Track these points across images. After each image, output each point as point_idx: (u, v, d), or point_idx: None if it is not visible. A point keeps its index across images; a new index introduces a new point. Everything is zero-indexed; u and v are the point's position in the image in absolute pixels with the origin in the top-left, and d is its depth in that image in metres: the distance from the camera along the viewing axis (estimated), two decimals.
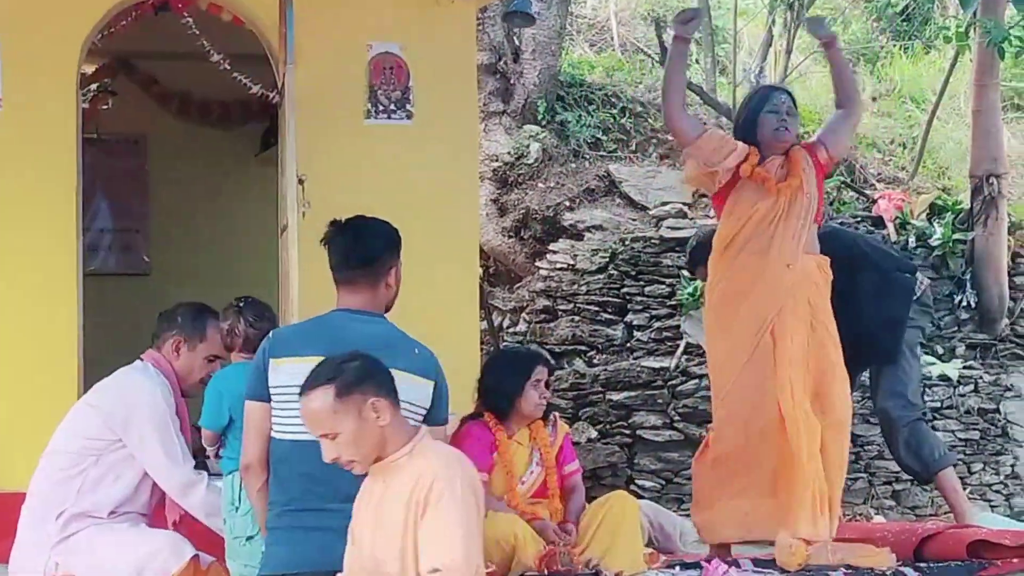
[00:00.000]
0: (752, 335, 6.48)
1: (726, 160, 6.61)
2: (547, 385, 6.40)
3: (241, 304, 6.24)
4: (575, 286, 10.81)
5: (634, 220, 11.21)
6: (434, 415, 5.08)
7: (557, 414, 6.63)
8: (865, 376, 7.78)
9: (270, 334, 5.22)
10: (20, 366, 7.53)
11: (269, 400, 5.00)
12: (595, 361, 10.53)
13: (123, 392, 5.78)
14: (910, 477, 9.63)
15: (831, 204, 11.30)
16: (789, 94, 6.86)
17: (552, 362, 6.70)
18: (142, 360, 5.92)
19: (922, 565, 6.30)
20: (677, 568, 6.30)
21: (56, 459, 5.76)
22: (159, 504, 5.88)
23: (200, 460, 5.95)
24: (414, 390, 4.97)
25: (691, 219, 10.81)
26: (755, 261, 6.55)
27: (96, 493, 5.66)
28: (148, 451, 5.70)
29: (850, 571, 6.08)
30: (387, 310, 5.27)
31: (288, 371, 4.93)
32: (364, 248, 5.20)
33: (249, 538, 5.74)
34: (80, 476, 5.68)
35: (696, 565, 6.30)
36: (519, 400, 6.28)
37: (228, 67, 8.16)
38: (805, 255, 6.54)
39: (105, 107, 10.24)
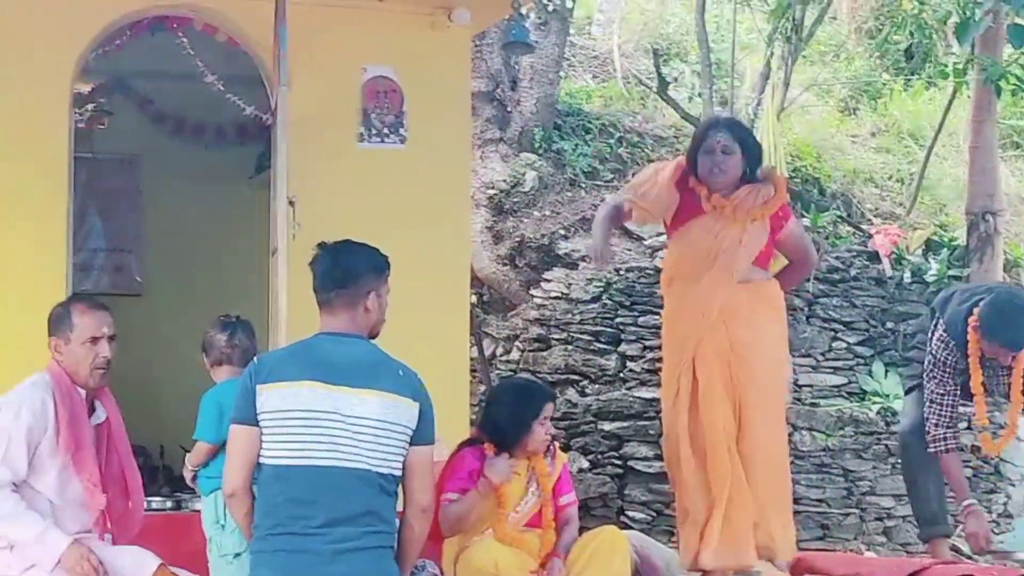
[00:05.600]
0: (674, 372, 6.53)
1: (662, 194, 6.60)
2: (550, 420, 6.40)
3: (235, 319, 6.22)
4: (569, 315, 10.79)
5: (629, 250, 11.20)
6: (419, 436, 5.08)
7: (556, 444, 6.60)
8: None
9: (255, 359, 5.21)
10: (8, 385, 7.46)
11: (257, 424, 4.98)
12: (587, 391, 10.49)
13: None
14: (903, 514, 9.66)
15: (826, 239, 11.28)
16: (731, 127, 6.68)
17: (555, 395, 6.68)
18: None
19: None
20: None
21: None
22: (122, 516, 5.68)
23: None
24: (399, 411, 5.01)
25: None
26: (682, 297, 6.61)
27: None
28: None
29: None
30: (373, 336, 5.24)
31: (277, 396, 4.96)
32: (341, 270, 5.17)
33: (237, 555, 5.73)
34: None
35: None
36: (525, 436, 6.27)
37: (222, 88, 8.16)
38: (737, 285, 6.50)
39: (100, 127, 10.22)
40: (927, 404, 7.37)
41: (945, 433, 7.33)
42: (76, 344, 5.56)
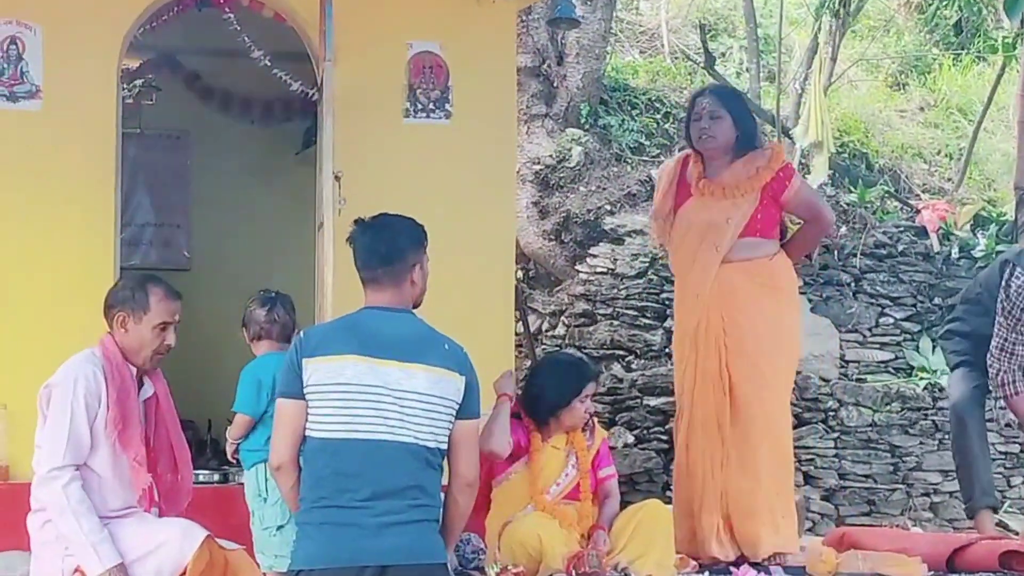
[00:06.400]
0: (680, 361, 6.63)
1: (664, 201, 6.77)
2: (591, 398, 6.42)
3: (274, 294, 6.27)
4: (615, 290, 10.77)
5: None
6: (465, 410, 5.11)
7: (595, 419, 6.61)
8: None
9: (302, 333, 5.21)
10: (56, 359, 7.50)
11: (303, 398, 5.00)
12: (633, 366, 10.48)
13: (51, 379, 5.49)
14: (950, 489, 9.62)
15: (874, 214, 11.23)
16: (717, 93, 6.73)
17: (600, 373, 6.68)
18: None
19: None
20: (707, 573, 6.31)
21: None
22: (171, 490, 5.69)
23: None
24: (444, 384, 5.03)
25: None
26: (681, 281, 6.73)
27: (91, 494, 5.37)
28: (43, 428, 5.39)
29: None
30: (415, 307, 5.27)
31: (323, 369, 4.97)
32: (386, 246, 5.18)
33: (280, 527, 5.79)
34: None
35: (725, 570, 6.30)
36: (563, 412, 6.30)
37: (269, 64, 8.19)
38: (729, 264, 6.46)
39: (148, 102, 10.28)
40: (995, 352, 7.23)
41: (1015, 377, 7.21)
42: (147, 326, 5.52)
